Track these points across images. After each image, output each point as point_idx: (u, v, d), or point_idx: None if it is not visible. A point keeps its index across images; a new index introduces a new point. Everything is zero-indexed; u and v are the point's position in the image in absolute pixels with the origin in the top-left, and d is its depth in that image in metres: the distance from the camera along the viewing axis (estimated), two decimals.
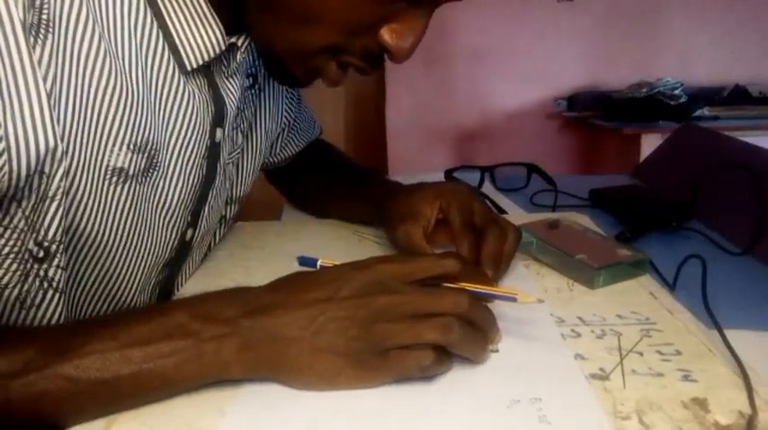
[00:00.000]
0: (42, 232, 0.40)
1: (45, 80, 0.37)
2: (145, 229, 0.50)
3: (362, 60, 0.46)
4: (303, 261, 0.47)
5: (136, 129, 0.44)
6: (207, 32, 0.46)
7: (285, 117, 0.71)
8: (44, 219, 0.40)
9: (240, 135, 0.59)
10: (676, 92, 2.17)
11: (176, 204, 0.52)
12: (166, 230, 0.53)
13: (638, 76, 2.36)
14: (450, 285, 0.41)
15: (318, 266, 0.46)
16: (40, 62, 0.37)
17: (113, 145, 0.43)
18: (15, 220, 0.39)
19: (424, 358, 0.37)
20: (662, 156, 0.97)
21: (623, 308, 0.48)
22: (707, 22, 2.50)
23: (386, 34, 0.43)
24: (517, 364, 0.40)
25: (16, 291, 0.41)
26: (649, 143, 2.04)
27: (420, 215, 0.55)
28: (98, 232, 0.45)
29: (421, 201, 0.57)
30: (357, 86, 2.51)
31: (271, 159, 0.74)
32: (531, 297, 0.41)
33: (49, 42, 0.37)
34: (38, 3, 0.37)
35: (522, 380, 0.38)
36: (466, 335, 0.38)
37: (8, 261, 0.40)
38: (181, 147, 0.50)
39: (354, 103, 2.59)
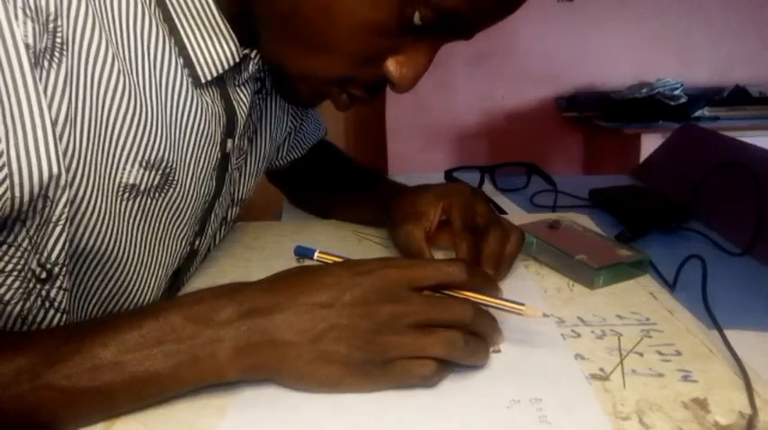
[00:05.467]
0: (45, 254, 0.40)
1: (61, 102, 0.37)
2: (156, 243, 0.50)
3: (365, 91, 0.47)
4: (300, 251, 0.47)
5: (149, 147, 0.44)
6: (222, 45, 0.46)
7: (291, 122, 0.71)
8: (47, 241, 0.39)
9: (246, 140, 0.59)
10: (676, 92, 2.17)
11: (188, 217, 0.52)
12: (177, 242, 0.53)
13: (638, 76, 2.36)
14: (453, 294, 0.40)
15: (315, 257, 0.46)
16: (55, 85, 0.37)
17: (125, 162, 0.43)
18: (19, 239, 0.38)
19: (427, 369, 0.37)
20: (662, 156, 0.97)
21: (623, 308, 0.48)
22: (707, 22, 2.50)
23: (391, 65, 0.44)
24: (517, 364, 0.40)
25: (18, 308, 0.41)
26: (649, 143, 2.04)
27: (423, 216, 0.55)
28: (109, 247, 0.45)
29: (424, 202, 0.56)
30: None
31: (276, 163, 0.74)
32: (537, 310, 0.40)
33: (63, 65, 0.37)
34: (51, 26, 0.36)
35: (522, 380, 0.38)
36: (469, 348, 0.38)
37: (11, 278, 0.39)
38: (194, 162, 0.50)
39: None
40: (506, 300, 0.41)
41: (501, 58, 2.53)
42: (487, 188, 0.91)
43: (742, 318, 0.46)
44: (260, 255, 0.62)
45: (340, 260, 0.45)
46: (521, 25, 2.45)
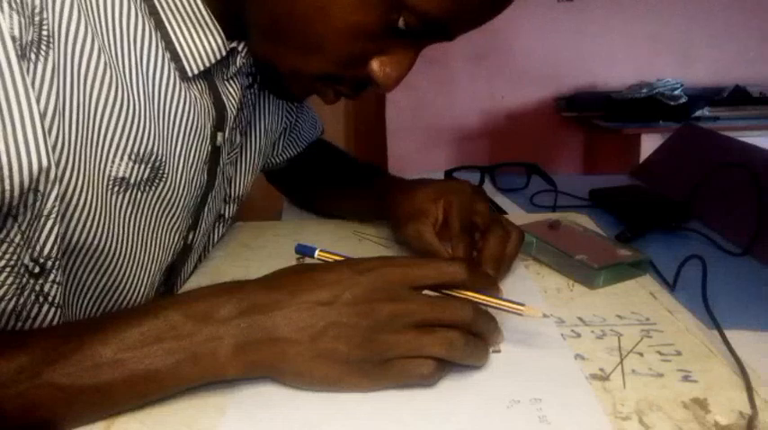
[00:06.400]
0: (38, 248, 0.40)
1: (49, 96, 0.37)
2: (148, 236, 0.50)
3: (350, 88, 0.49)
4: (301, 249, 0.47)
5: (137, 141, 0.44)
6: (208, 38, 0.47)
7: (286, 117, 0.71)
8: (39, 236, 0.39)
9: (239, 134, 0.60)
10: (676, 92, 2.17)
11: (179, 210, 0.52)
12: (169, 236, 0.53)
13: (638, 76, 2.36)
14: (453, 293, 0.40)
15: (316, 256, 0.46)
16: (42, 79, 0.37)
17: (114, 156, 0.43)
18: (12, 234, 0.38)
19: (426, 368, 0.37)
20: (662, 156, 0.97)
21: (623, 308, 0.48)
22: (707, 22, 2.50)
23: (375, 66, 0.45)
24: (517, 364, 0.40)
25: (12, 304, 0.41)
26: (649, 143, 2.04)
27: (427, 213, 0.56)
28: (102, 241, 0.45)
29: (425, 199, 0.57)
30: None
31: (273, 160, 0.74)
32: (537, 311, 0.40)
33: (50, 58, 0.37)
34: (37, 19, 0.36)
35: (522, 380, 0.38)
36: (469, 348, 0.38)
37: (4, 274, 0.39)
38: (184, 155, 0.50)
39: (354, 103, 2.59)
40: (506, 301, 0.41)
41: (501, 57, 2.53)
42: (487, 188, 0.91)
43: (742, 318, 0.46)
44: (259, 254, 0.62)
45: (341, 259, 0.45)
46: (521, 25, 2.45)
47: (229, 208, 0.64)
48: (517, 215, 0.76)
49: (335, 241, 0.66)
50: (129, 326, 0.35)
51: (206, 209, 0.57)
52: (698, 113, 2.19)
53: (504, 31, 2.45)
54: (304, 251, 0.47)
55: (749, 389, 0.36)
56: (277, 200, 0.87)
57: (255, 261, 0.61)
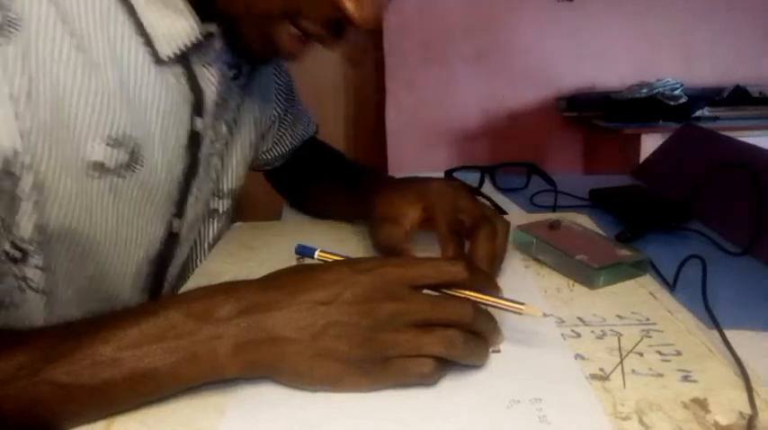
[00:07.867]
0: (18, 234, 0.40)
1: (21, 80, 0.38)
2: (130, 222, 0.50)
3: (323, 28, 0.45)
4: (301, 250, 0.47)
5: (111, 124, 0.45)
6: (180, 21, 0.47)
7: (275, 110, 0.71)
8: (18, 220, 0.40)
9: (224, 126, 0.59)
10: (676, 92, 2.17)
11: (160, 196, 0.52)
12: (152, 222, 0.53)
13: (638, 76, 2.36)
14: (453, 293, 0.40)
15: (316, 257, 0.46)
16: (14, 62, 0.38)
17: (88, 139, 0.44)
18: None
19: (426, 367, 0.37)
20: (662, 156, 0.97)
21: (623, 308, 0.48)
22: (707, 22, 2.50)
23: (348, 2, 0.42)
24: (517, 364, 0.40)
25: None
26: (649, 143, 2.04)
27: (401, 217, 0.54)
28: (83, 227, 0.45)
29: (401, 202, 0.55)
30: (357, 86, 2.52)
31: (265, 156, 0.74)
32: (537, 310, 0.40)
33: (18, 41, 0.38)
34: (5, 2, 0.37)
35: (522, 380, 0.38)
36: (468, 347, 0.38)
37: None
38: (160, 139, 0.50)
39: (354, 103, 2.59)
40: (506, 300, 0.41)
41: (501, 57, 2.52)
42: (487, 188, 0.91)
43: (742, 318, 0.46)
44: (260, 254, 0.62)
45: (341, 259, 0.45)
46: (520, 25, 2.45)
47: (222, 203, 0.64)
48: (517, 215, 0.76)
49: (335, 241, 0.66)
50: (129, 325, 0.35)
51: (191, 197, 0.57)
52: (698, 113, 2.19)
53: (503, 32, 2.45)
54: (304, 252, 0.47)
55: (749, 389, 0.36)
56: (277, 200, 0.87)
57: (256, 261, 0.61)
